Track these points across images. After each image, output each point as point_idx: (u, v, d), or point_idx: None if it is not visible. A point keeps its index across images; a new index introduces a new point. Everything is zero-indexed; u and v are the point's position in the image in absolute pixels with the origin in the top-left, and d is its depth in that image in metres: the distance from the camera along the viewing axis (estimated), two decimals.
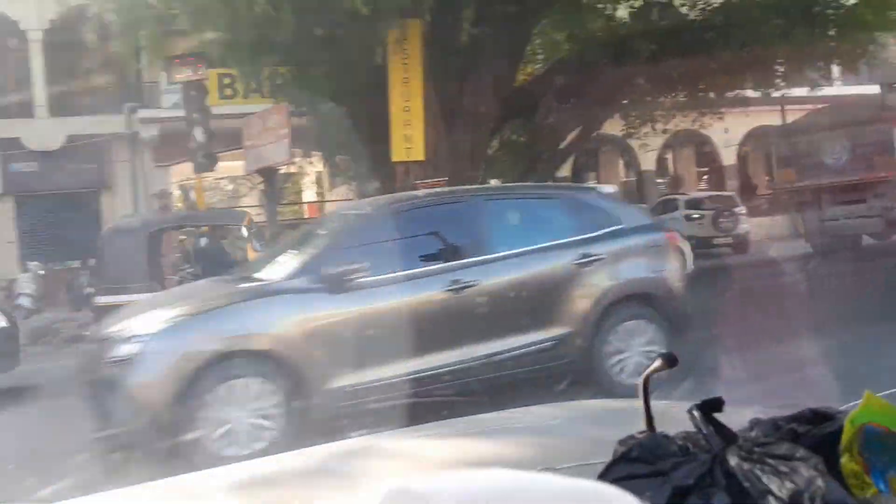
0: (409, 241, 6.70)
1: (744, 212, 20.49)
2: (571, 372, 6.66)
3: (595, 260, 6.90)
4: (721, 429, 1.15)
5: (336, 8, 10.86)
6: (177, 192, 21.42)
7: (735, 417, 1.23)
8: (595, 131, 17.37)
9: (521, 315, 6.64)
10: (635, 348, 6.81)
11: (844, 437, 1.02)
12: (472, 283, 6.44)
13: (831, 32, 14.57)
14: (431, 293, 6.41)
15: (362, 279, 6.10)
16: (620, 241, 7.11)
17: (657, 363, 1.38)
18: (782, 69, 16.69)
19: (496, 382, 6.37)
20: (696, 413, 1.17)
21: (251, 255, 10.68)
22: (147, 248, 10.46)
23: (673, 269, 7.45)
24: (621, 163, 24.56)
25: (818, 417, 1.13)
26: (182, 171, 19.88)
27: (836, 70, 17.87)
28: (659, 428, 1.29)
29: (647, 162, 23.24)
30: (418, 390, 5.94)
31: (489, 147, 15.18)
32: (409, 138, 13.26)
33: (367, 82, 13.44)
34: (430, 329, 6.20)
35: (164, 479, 1.79)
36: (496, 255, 6.73)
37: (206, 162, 13.76)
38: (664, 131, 18.74)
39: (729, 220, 19.82)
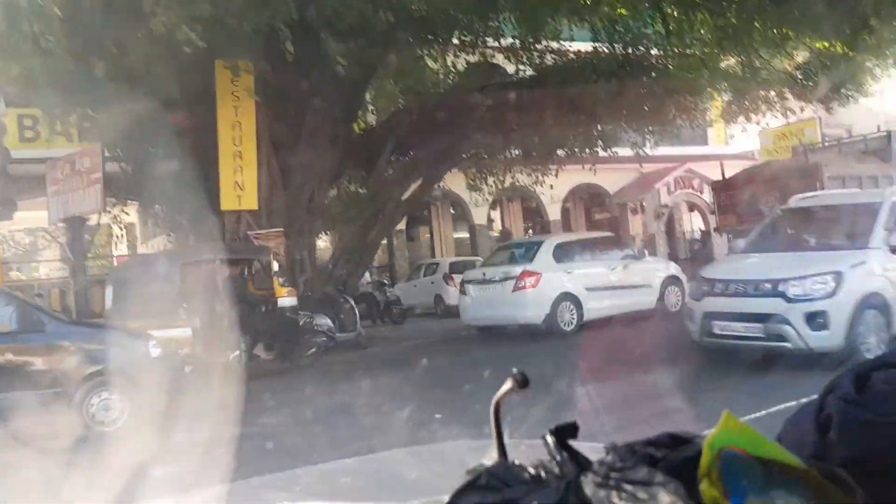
0: None
1: None
2: None
3: None
4: (575, 455, 1.13)
5: (159, 41, 9.86)
6: None
7: (591, 446, 1.21)
8: (435, 184, 17.17)
9: None
10: None
11: (703, 462, 1.00)
12: None
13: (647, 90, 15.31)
14: None
15: None
16: None
17: (507, 385, 1.29)
18: (603, 128, 17.38)
19: None
20: (549, 439, 1.15)
21: (279, 290, 11.50)
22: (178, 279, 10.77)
23: None
24: (452, 216, 24.65)
25: (676, 441, 1.09)
26: None
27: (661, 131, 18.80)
28: (512, 458, 1.26)
29: (479, 216, 23.46)
30: None
31: (326, 197, 14.51)
32: (240, 185, 12.36)
33: (192, 124, 12.43)
34: None
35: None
36: None
37: (3, 210, 12.07)
38: (499, 186, 18.92)
39: None
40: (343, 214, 14.43)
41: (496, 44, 15.40)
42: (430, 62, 15.15)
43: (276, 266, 11.85)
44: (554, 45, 15.49)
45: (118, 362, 8.19)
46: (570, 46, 16.09)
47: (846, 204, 10.13)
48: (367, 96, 15.37)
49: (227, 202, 12.23)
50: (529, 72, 16.20)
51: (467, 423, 3.13)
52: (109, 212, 15.30)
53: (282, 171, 12.94)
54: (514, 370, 1.28)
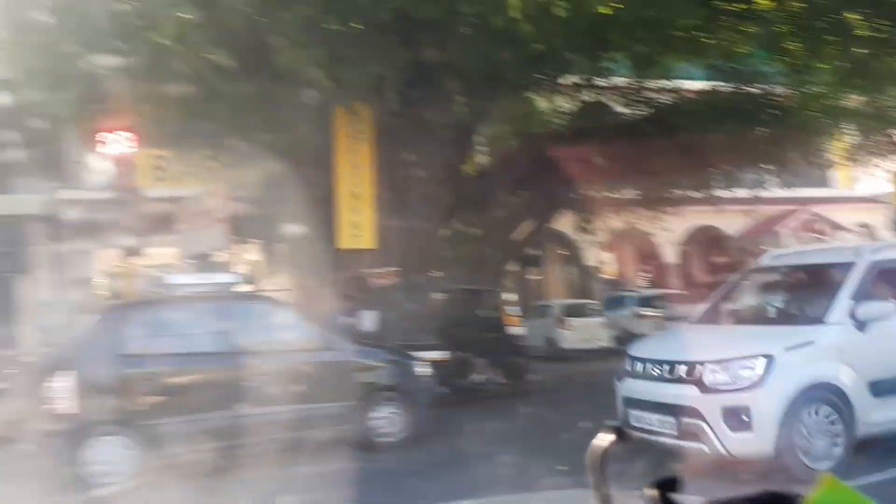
0: None
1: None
2: None
3: None
4: None
5: (287, 93, 10.32)
6: (101, 280, 20.11)
7: (691, 501, 1.21)
8: (546, 224, 17.10)
9: None
10: None
11: None
12: None
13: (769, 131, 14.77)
14: None
15: None
16: None
17: (605, 436, 1.32)
18: (721, 169, 16.87)
19: None
20: (649, 492, 1.13)
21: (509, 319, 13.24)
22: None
23: None
24: (562, 258, 24.44)
25: (776, 499, 1.08)
26: (107, 257, 18.69)
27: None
28: None
29: (591, 258, 23.18)
30: None
31: (438, 238, 14.68)
32: (357, 225, 12.64)
33: (312, 166, 12.86)
34: None
35: None
36: None
37: (136, 246, 12.78)
38: (612, 228, 18.69)
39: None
40: (454, 255, 14.54)
41: (608, 83, 15.29)
42: (540, 103, 15.19)
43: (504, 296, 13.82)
44: (668, 84, 15.25)
45: (397, 379, 9.33)
46: (686, 85, 15.79)
47: (817, 264, 8.13)
48: (479, 137, 15.51)
49: (345, 241, 12.52)
50: (643, 111, 15.99)
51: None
52: (230, 250, 15.96)
53: (396, 212, 13.18)
54: (609, 422, 1.29)
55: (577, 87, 14.98)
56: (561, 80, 14.51)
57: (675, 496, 1.16)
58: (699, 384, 6.57)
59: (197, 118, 11.09)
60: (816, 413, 6.42)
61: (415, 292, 12.57)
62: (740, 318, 8.20)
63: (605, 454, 1.29)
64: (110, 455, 7.90)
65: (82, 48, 9.90)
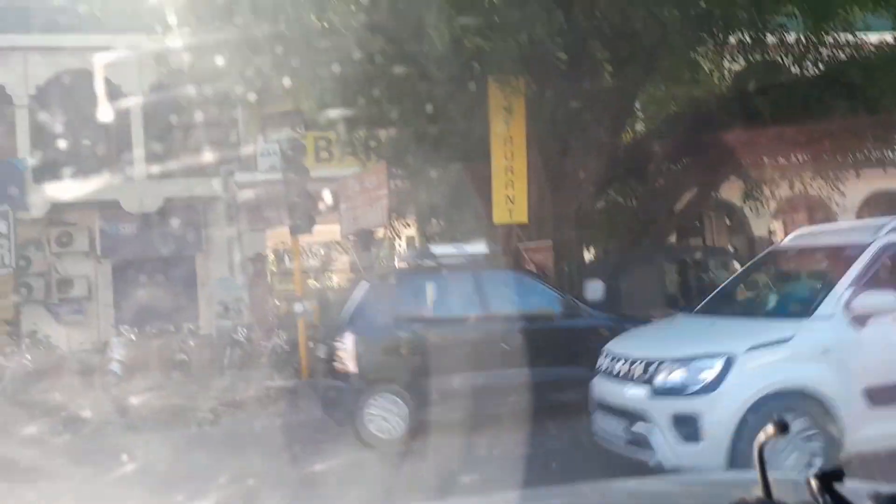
0: None
1: None
2: None
3: None
4: (840, 500, 1.09)
5: (441, 67, 10.40)
6: (270, 257, 21.27)
7: (856, 490, 1.17)
8: (713, 193, 16.37)
9: None
10: None
11: None
12: None
13: None
14: None
15: None
16: None
17: (769, 429, 1.32)
18: None
19: None
20: (813, 482, 1.12)
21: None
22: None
23: None
24: (727, 227, 23.36)
25: None
26: (277, 235, 19.71)
27: None
28: (776, 496, 1.24)
29: (759, 227, 21.97)
30: None
31: (593, 210, 14.40)
32: (511, 199, 12.61)
33: (466, 143, 12.94)
34: None
35: None
36: None
37: (303, 225, 13.36)
38: (782, 195, 17.62)
39: None
40: (611, 227, 14.23)
41: (778, 40, 14.33)
42: (704, 64, 14.47)
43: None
44: (845, 38, 14.11)
45: None
46: (867, 38, 14.54)
47: (831, 246, 6.93)
48: (637, 103, 15.00)
49: (499, 216, 12.53)
50: (817, 69, 14.88)
51: None
52: (390, 226, 16.37)
53: (550, 184, 13.04)
54: (775, 415, 1.39)
55: (744, 45, 14.14)
56: (729, 40, 13.78)
57: (839, 486, 1.13)
58: (651, 385, 5.87)
59: (357, 99, 11.43)
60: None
61: (634, 264, 13.06)
62: (735, 309, 7.22)
63: (764, 445, 1.31)
64: (384, 411, 8.91)
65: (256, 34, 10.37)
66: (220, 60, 10.72)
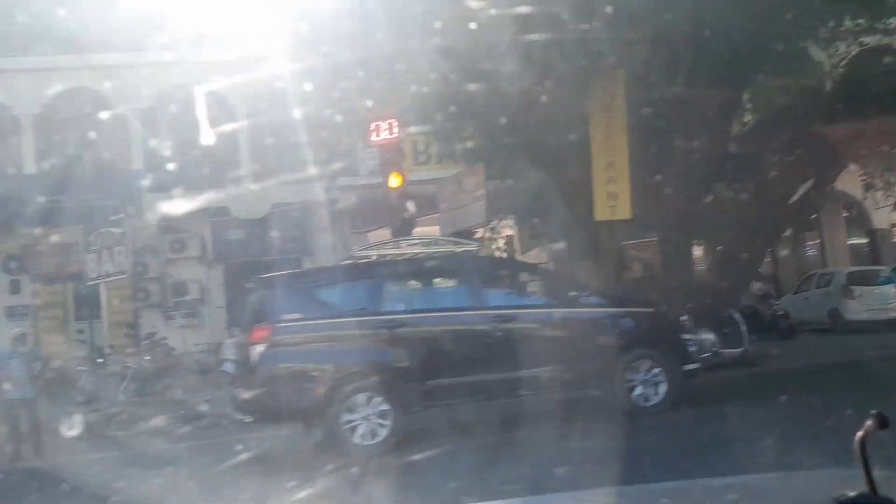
0: None
1: None
2: None
3: None
4: None
5: (543, 67, 10.25)
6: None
7: None
8: (828, 184, 15.58)
9: None
10: None
11: None
12: None
13: None
14: None
15: None
16: None
17: (869, 424, 1.33)
18: None
19: None
20: None
21: None
22: None
23: None
24: (845, 220, 22.17)
25: None
26: (379, 237, 19.92)
27: None
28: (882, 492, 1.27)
29: (880, 220, 20.74)
30: None
31: (701, 205, 13.90)
32: (613, 196, 12.30)
33: (565, 139, 12.70)
34: None
35: None
36: None
37: (404, 226, 13.46)
38: None
39: None
40: (720, 222, 13.70)
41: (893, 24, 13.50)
42: (817, 52, 13.79)
43: None
44: None
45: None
46: None
47: None
48: (745, 94, 14.40)
49: (601, 213, 12.26)
50: None
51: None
52: (489, 226, 16.28)
53: (654, 180, 12.67)
54: (874, 411, 1.34)
55: (857, 31, 13.39)
56: (842, 26, 13.07)
57: None
58: None
59: (454, 101, 11.41)
60: None
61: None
62: None
63: (866, 440, 1.31)
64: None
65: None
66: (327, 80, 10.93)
